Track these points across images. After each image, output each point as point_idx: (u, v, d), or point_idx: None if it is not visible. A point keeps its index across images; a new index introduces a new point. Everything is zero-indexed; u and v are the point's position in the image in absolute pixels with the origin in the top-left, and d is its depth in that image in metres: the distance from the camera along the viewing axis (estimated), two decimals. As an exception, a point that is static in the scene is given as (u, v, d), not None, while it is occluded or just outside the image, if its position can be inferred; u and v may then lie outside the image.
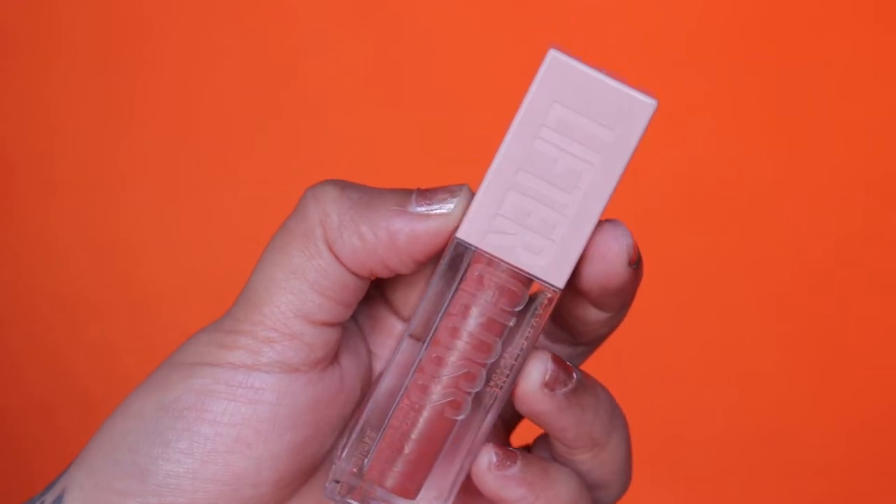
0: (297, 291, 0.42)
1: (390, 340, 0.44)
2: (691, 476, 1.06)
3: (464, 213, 0.41)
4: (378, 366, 0.44)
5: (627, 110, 0.41)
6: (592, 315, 0.43)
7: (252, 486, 0.41)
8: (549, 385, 0.41)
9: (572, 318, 0.43)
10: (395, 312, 0.45)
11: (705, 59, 1.05)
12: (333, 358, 0.43)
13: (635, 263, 0.41)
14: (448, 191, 0.42)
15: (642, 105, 0.41)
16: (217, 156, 1.05)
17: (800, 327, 1.06)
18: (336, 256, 0.42)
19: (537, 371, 0.41)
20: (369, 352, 0.44)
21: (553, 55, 0.42)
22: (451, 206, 0.41)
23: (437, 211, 0.41)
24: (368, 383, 0.44)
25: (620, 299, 0.42)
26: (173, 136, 1.05)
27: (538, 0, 1.04)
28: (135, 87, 1.05)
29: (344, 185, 0.42)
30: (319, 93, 1.05)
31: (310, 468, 0.43)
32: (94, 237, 1.05)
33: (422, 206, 0.41)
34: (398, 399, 0.41)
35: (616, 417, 0.42)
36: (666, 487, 1.06)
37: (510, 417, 0.46)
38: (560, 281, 0.41)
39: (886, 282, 1.05)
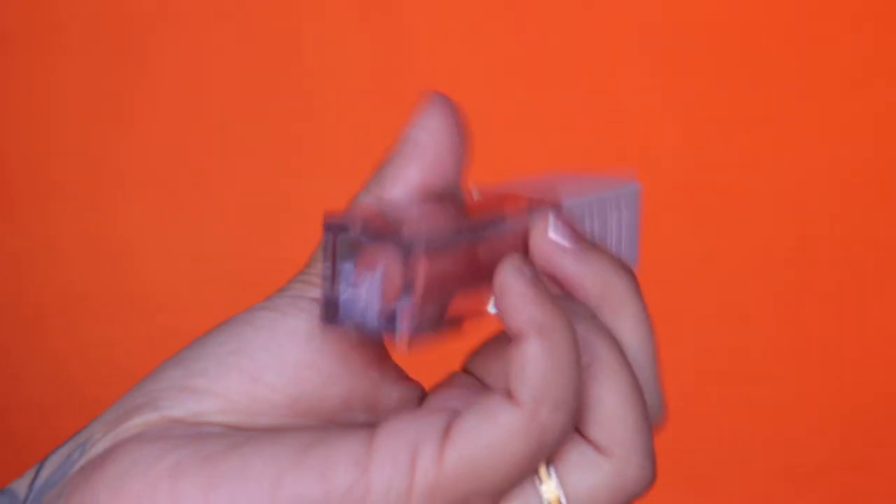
0: None
1: None
2: (692, 476, 1.06)
3: None
4: None
5: (624, 202, 0.46)
6: None
7: (268, 388, 0.42)
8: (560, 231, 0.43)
9: None
10: None
11: (706, 58, 1.05)
12: None
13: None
14: None
15: (631, 191, 0.46)
16: (216, 157, 1.05)
17: (801, 328, 1.06)
18: None
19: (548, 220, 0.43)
20: None
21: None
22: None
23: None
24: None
25: None
26: (172, 136, 1.05)
27: (538, 0, 1.04)
28: (134, 87, 1.05)
29: None
30: (319, 93, 1.05)
31: (330, 409, 0.43)
32: (93, 238, 1.05)
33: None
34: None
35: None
36: (667, 487, 1.06)
37: None
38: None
39: (888, 282, 1.05)
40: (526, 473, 0.41)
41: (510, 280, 0.41)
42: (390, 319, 0.41)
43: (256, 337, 0.43)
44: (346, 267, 0.41)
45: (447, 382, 0.45)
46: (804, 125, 1.05)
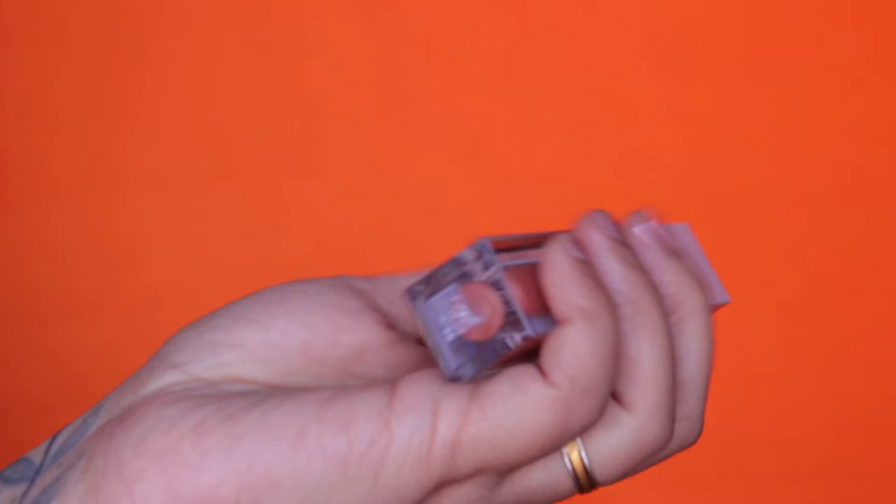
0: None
1: None
2: (693, 475, 1.06)
3: None
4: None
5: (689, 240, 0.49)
6: None
7: (280, 332, 0.43)
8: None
9: None
10: None
11: (706, 58, 1.05)
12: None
13: None
14: None
15: (684, 229, 0.49)
16: (217, 157, 1.05)
17: (802, 329, 1.06)
18: None
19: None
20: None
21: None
22: None
23: None
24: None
25: None
26: (173, 137, 1.05)
27: (539, 0, 1.04)
28: (135, 87, 1.05)
29: None
30: (320, 94, 1.05)
31: (345, 357, 0.44)
32: (94, 238, 1.05)
33: None
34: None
35: None
36: (667, 487, 1.06)
37: None
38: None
39: (889, 283, 1.05)
40: (545, 452, 0.41)
41: (556, 259, 0.41)
42: (465, 352, 0.41)
43: (269, 295, 0.44)
44: (451, 288, 0.41)
45: None
46: (805, 125, 1.05)
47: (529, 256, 0.42)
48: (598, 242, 0.43)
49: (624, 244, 0.43)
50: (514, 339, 0.41)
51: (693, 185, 1.05)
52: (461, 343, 0.41)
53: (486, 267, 0.41)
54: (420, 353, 0.45)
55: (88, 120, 1.05)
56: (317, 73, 1.05)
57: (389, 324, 0.44)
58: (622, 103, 1.05)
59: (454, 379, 0.41)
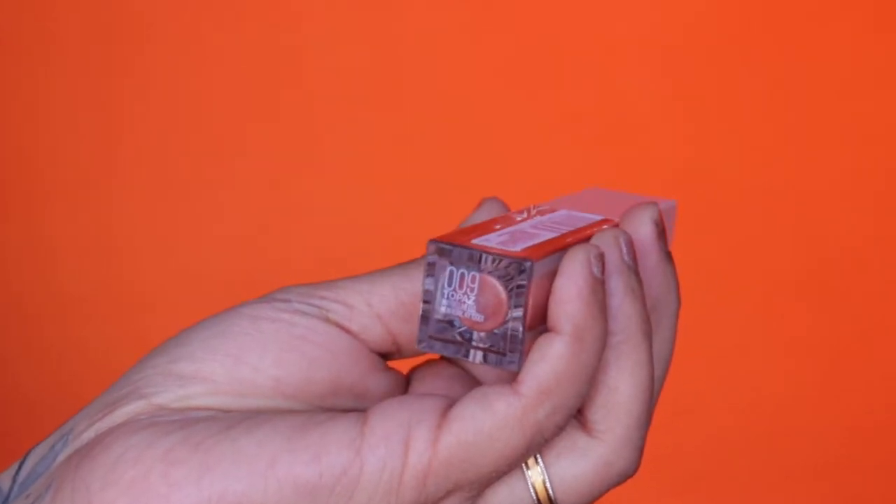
0: (376, 280, 0.45)
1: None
2: (692, 476, 1.06)
3: None
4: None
5: (671, 216, 0.48)
6: None
7: (251, 368, 0.42)
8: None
9: None
10: None
11: (707, 58, 1.04)
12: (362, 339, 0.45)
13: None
14: None
15: (672, 207, 0.48)
16: (209, 158, 1.05)
17: (802, 329, 1.06)
18: None
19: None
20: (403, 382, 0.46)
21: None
22: None
23: None
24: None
25: None
26: (165, 139, 1.05)
27: (538, 0, 1.04)
28: (126, 88, 1.05)
29: None
30: (314, 94, 1.05)
31: (318, 393, 0.43)
32: (86, 240, 1.05)
33: None
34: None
35: None
36: (667, 487, 1.06)
37: None
38: None
39: (889, 283, 1.05)
40: (515, 465, 0.41)
41: (577, 267, 0.40)
42: (475, 340, 0.41)
43: (239, 323, 0.43)
44: (447, 285, 0.41)
45: (430, 371, 0.45)
46: (805, 125, 1.05)
47: (552, 261, 0.41)
48: (613, 265, 0.43)
49: (634, 271, 0.43)
50: (477, 357, 0.41)
51: (693, 185, 1.05)
52: (446, 322, 0.41)
53: (518, 287, 0.40)
54: (391, 381, 0.45)
55: (80, 123, 1.05)
56: (312, 76, 1.05)
57: (362, 349, 0.44)
58: (622, 103, 1.05)
59: (418, 344, 0.41)
